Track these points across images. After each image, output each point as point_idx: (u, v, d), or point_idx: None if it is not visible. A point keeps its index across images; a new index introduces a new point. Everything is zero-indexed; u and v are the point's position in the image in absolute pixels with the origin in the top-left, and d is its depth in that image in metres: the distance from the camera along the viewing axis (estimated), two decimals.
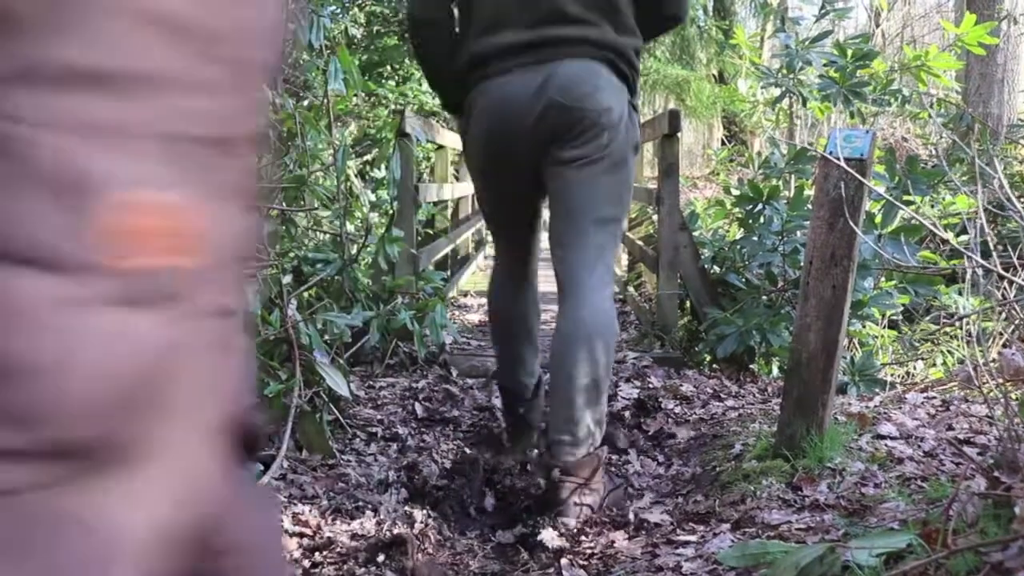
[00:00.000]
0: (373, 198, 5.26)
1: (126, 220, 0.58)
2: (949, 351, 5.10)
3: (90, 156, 0.56)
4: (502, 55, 2.52)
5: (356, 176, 8.20)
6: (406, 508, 2.57)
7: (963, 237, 4.99)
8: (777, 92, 5.25)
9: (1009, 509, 1.67)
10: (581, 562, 2.28)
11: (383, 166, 6.83)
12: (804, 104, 5.10)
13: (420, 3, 2.67)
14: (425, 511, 2.56)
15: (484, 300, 5.96)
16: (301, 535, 2.34)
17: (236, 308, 0.72)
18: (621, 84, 2.56)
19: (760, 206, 4.35)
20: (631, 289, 6.50)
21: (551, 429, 2.59)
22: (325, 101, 3.81)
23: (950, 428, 2.88)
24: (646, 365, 4.30)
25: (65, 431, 0.57)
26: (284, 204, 3.54)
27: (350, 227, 4.05)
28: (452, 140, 7.04)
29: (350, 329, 3.53)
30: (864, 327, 4.55)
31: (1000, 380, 2.35)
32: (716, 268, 4.78)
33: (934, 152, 9.09)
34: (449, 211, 7.96)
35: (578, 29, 2.49)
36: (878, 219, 3.78)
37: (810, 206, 2.86)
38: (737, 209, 4.59)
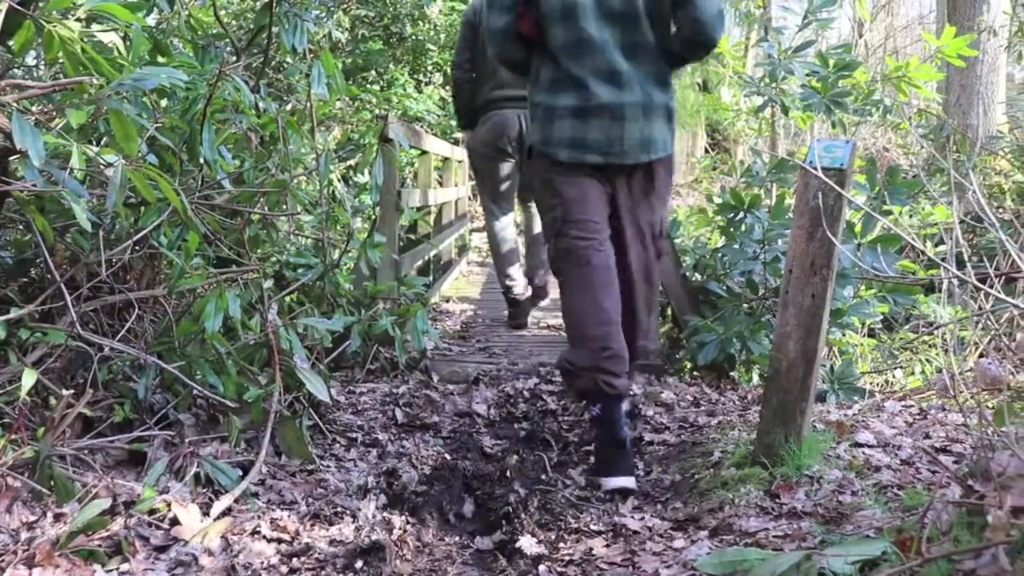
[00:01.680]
0: (356, 203, 5.25)
1: None
2: (928, 360, 5.13)
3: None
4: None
5: (339, 181, 8.18)
6: (385, 514, 2.56)
7: (941, 247, 5.03)
8: (760, 101, 5.28)
9: (982, 517, 1.69)
10: (559, 569, 2.28)
11: (366, 171, 6.83)
12: (786, 113, 5.12)
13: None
14: (404, 517, 2.56)
15: (466, 306, 6.01)
16: (279, 541, 2.33)
17: None
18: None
19: (742, 214, 4.37)
20: None
21: None
22: (308, 105, 3.80)
23: (927, 436, 2.90)
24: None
25: None
26: (266, 208, 3.53)
27: (332, 232, 4.05)
28: (435, 146, 7.04)
29: (331, 334, 3.53)
30: (844, 335, 4.58)
31: (976, 389, 2.37)
32: (697, 276, 4.79)
33: (914, 163, 9.15)
34: (432, 217, 7.96)
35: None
36: (858, 228, 3.81)
37: (791, 215, 2.87)
38: (719, 217, 4.61)
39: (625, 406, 3.10)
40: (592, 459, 3.06)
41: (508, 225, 5.47)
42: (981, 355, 3.99)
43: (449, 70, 11.15)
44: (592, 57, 2.99)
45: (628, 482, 2.83)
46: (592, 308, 2.95)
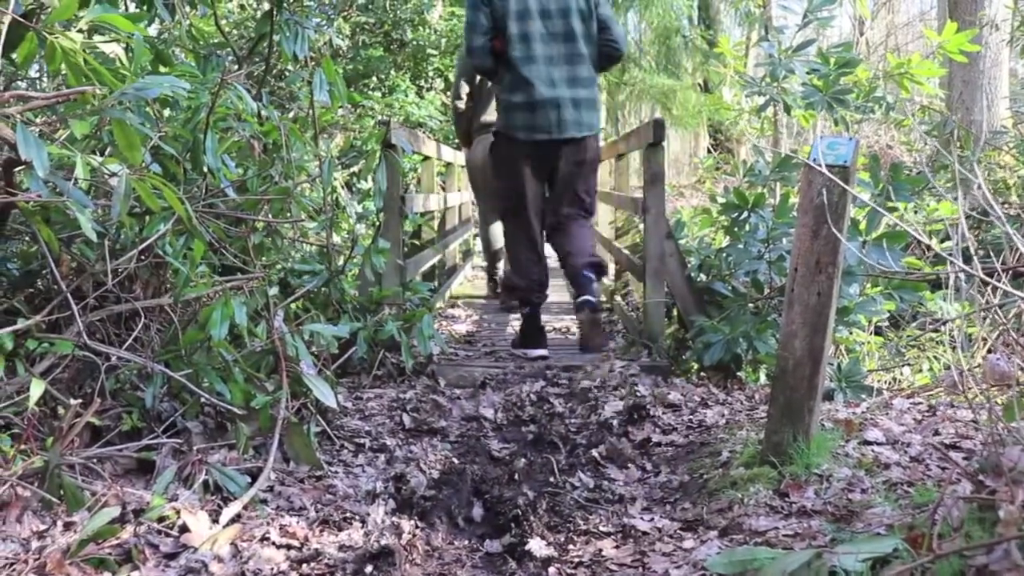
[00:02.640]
0: (359, 209, 5.27)
1: None
2: (935, 357, 5.12)
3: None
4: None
5: (342, 187, 8.19)
6: (394, 519, 2.56)
7: (947, 243, 5.02)
8: (761, 101, 5.27)
9: (994, 513, 1.68)
10: (569, 571, 2.28)
11: (369, 177, 6.86)
12: (788, 112, 5.12)
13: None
14: (413, 521, 2.56)
15: (472, 310, 6.03)
16: (288, 547, 2.33)
17: None
18: None
19: (746, 214, 4.37)
20: (618, 298, 6.51)
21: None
22: (310, 112, 3.81)
23: (936, 433, 2.89)
24: (633, 374, 4.30)
25: None
26: (270, 216, 3.54)
27: (336, 238, 4.05)
28: (438, 151, 7.05)
29: (337, 340, 3.53)
30: (850, 333, 4.57)
31: (985, 385, 2.36)
32: (703, 276, 4.79)
33: (918, 159, 9.13)
34: (436, 222, 7.96)
35: None
36: (863, 226, 3.80)
37: (795, 213, 2.87)
38: (723, 217, 4.60)
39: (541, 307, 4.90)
40: (521, 339, 4.90)
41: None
42: (990, 351, 3.97)
43: (451, 76, 11.19)
44: (538, 65, 4.41)
45: (544, 351, 4.78)
46: (528, 248, 4.75)
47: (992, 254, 2.94)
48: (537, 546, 2.39)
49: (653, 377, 4.30)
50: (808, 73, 4.76)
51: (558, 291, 7.67)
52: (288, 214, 3.58)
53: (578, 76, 4.44)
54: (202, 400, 2.88)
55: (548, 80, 4.39)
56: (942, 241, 5.25)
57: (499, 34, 4.43)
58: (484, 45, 4.45)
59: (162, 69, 3.13)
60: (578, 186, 4.60)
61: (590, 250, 4.63)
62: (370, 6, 11.62)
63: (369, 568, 2.22)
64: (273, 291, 3.24)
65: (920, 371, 5.00)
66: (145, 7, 3.20)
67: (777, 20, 9.70)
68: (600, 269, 4.66)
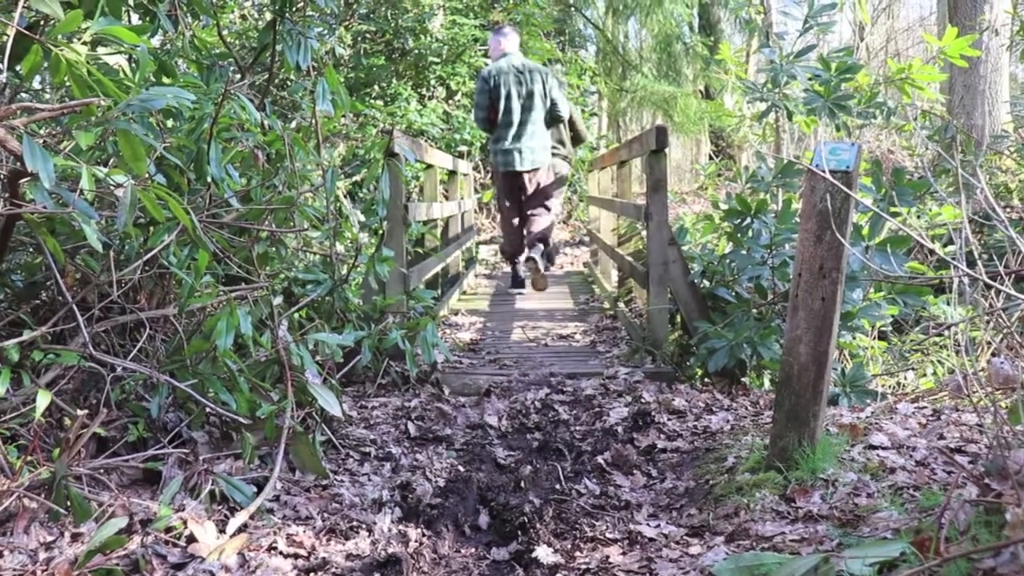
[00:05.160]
0: (363, 218, 5.29)
1: None
2: (939, 361, 5.11)
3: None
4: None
5: (345, 196, 8.21)
6: (400, 527, 2.57)
7: (950, 248, 5.02)
8: (763, 107, 5.28)
9: (1000, 516, 1.68)
10: None
11: (372, 186, 6.90)
12: (790, 118, 5.13)
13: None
14: (419, 530, 2.56)
15: (475, 318, 6.06)
16: (296, 556, 2.33)
17: None
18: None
19: (748, 220, 4.37)
20: (621, 305, 6.50)
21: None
22: (313, 122, 3.82)
23: (941, 437, 2.89)
24: (638, 380, 4.31)
25: None
26: (274, 225, 3.54)
27: (340, 247, 4.06)
28: (440, 159, 7.07)
29: (341, 349, 3.53)
30: (854, 338, 4.57)
31: (989, 389, 2.36)
32: (706, 282, 4.79)
33: (920, 164, 9.13)
34: (439, 230, 7.98)
35: None
36: (865, 231, 3.80)
37: (798, 219, 2.87)
38: (726, 223, 4.61)
39: (522, 259, 7.46)
40: (511, 280, 7.81)
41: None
42: (993, 354, 3.97)
43: (452, 84, 11.23)
44: (513, 127, 7.00)
45: (524, 290, 7.65)
46: (512, 230, 7.43)
47: (995, 258, 2.94)
48: (544, 553, 2.39)
49: (657, 383, 4.30)
50: (809, 79, 4.77)
51: (561, 298, 7.68)
52: (292, 223, 3.58)
53: (535, 133, 7.05)
54: (207, 410, 2.88)
55: (518, 136, 7.02)
56: (945, 245, 5.25)
57: (491, 108, 7.06)
58: (484, 117, 7.15)
59: (166, 80, 3.14)
60: (539, 195, 7.23)
61: (540, 232, 7.20)
62: (372, 15, 11.64)
63: None
64: (277, 301, 3.24)
65: (924, 375, 4.99)
66: (148, 19, 3.21)
67: (777, 26, 9.72)
68: (543, 240, 7.25)
